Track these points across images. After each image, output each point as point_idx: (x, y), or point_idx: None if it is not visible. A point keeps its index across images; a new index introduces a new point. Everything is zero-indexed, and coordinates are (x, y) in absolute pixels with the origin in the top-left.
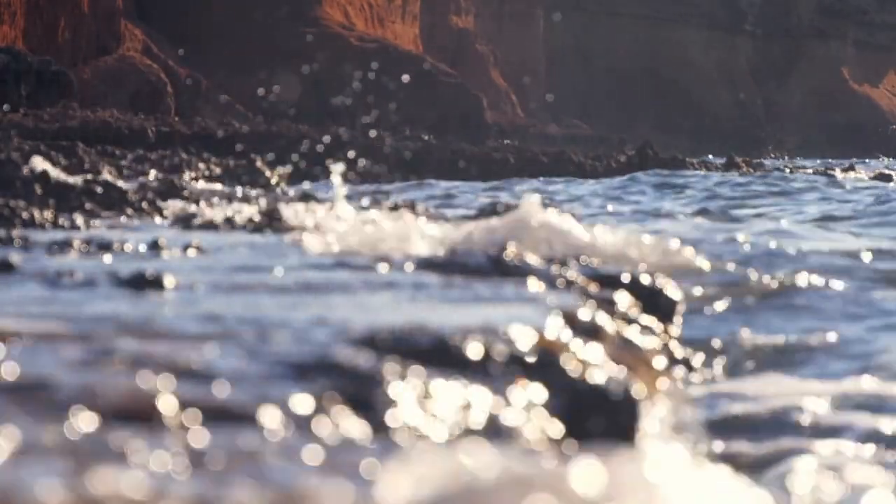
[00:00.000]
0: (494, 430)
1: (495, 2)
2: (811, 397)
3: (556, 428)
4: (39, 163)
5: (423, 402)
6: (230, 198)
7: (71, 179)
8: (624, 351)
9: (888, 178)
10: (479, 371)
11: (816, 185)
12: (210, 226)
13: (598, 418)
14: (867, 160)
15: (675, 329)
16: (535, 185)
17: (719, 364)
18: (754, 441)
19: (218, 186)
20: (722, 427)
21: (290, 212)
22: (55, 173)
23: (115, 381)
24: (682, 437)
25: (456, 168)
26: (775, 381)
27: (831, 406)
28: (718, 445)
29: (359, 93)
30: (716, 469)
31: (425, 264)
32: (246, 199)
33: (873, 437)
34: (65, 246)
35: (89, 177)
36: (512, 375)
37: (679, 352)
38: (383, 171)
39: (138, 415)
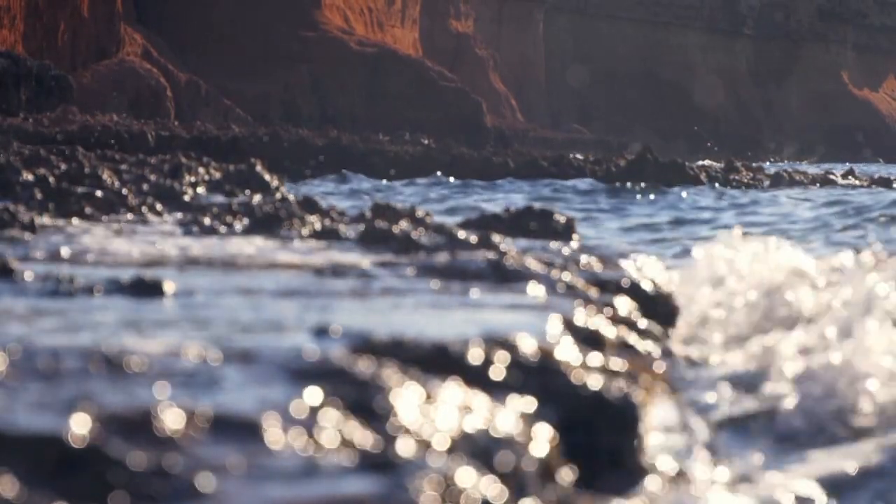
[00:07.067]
0: (492, 438)
1: (495, 6)
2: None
3: (555, 435)
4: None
5: (423, 409)
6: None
7: (70, 184)
8: (625, 356)
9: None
10: (479, 377)
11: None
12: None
13: (599, 425)
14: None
15: (676, 333)
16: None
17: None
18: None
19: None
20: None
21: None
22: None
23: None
24: (681, 439)
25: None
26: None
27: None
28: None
29: (358, 97)
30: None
31: (425, 269)
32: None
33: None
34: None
35: (89, 181)
36: (511, 381)
37: (680, 355)
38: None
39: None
